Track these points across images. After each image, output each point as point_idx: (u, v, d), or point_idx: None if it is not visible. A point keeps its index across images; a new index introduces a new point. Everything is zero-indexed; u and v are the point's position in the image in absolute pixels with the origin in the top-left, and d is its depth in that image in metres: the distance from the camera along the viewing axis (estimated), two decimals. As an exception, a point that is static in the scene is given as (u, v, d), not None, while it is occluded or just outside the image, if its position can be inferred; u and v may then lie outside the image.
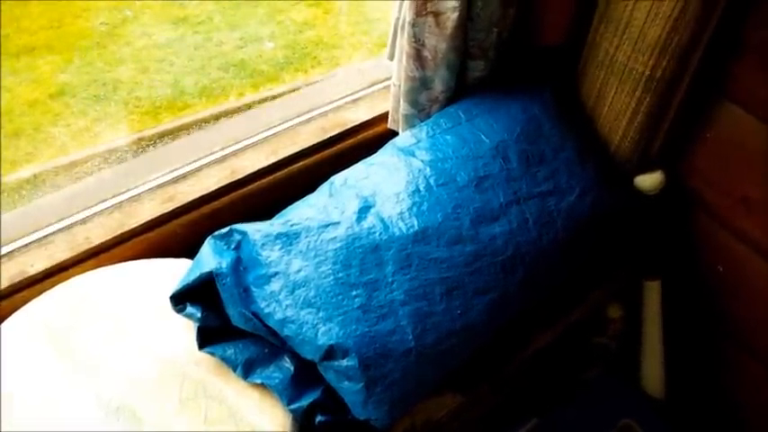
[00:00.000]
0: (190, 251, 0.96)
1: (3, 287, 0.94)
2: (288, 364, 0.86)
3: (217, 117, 2.53)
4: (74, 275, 0.97)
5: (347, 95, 1.26)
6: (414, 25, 1.04)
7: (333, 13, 3.09)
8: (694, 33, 0.99)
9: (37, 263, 0.97)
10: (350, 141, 1.20)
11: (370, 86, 1.27)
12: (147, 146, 2.44)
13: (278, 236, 0.89)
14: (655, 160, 1.14)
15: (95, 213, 1.02)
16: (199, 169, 1.09)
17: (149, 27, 2.87)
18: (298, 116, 1.19)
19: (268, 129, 1.16)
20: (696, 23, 0.97)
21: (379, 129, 1.22)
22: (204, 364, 0.88)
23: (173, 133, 2.48)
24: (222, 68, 2.77)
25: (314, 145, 1.16)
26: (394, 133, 1.18)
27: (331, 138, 1.18)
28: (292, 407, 0.83)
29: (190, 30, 2.90)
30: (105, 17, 2.83)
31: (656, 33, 1.00)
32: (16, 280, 0.95)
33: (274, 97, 2.57)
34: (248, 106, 2.56)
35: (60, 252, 0.98)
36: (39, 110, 2.52)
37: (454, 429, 1.08)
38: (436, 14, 1.03)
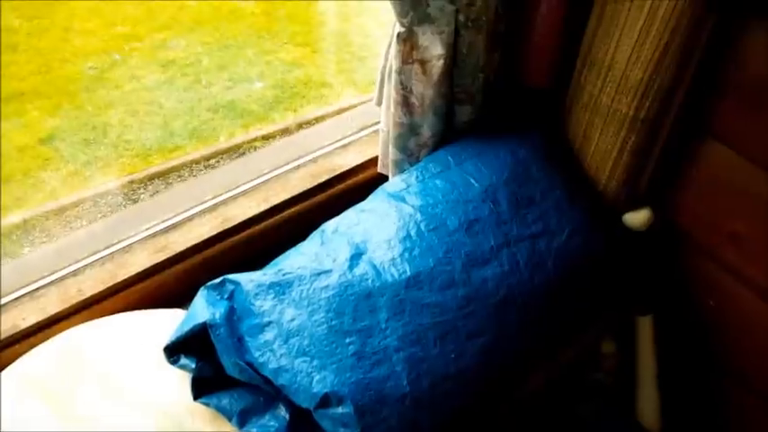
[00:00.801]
0: (182, 300, 0.96)
1: (-5, 342, 0.94)
2: (283, 412, 0.85)
3: (207, 158, 2.54)
4: (66, 328, 0.96)
5: (337, 141, 1.27)
6: (400, 73, 1.06)
7: (321, 52, 3.14)
8: (676, 75, 1.01)
9: (29, 316, 0.97)
10: (340, 186, 1.21)
11: (359, 131, 1.29)
12: (138, 188, 2.44)
13: (271, 285, 0.89)
14: (642, 198, 1.15)
15: (87, 265, 1.02)
16: (190, 218, 1.10)
17: (138, 70, 2.90)
18: (288, 163, 1.21)
19: (259, 176, 1.17)
20: (677, 65, 1.00)
21: (368, 173, 1.24)
22: (200, 415, 0.87)
23: (163, 175, 2.49)
24: (211, 109, 2.79)
25: (305, 191, 1.17)
26: (384, 177, 1.20)
27: (321, 183, 1.19)
28: (288, 457, 0.82)
29: (178, 72, 2.93)
30: (94, 61, 2.86)
31: (639, 76, 1.02)
32: (8, 334, 0.95)
33: (264, 137, 2.59)
34: (238, 147, 2.58)
35: (52, 305, 0.98)
36: (28, 155, 2.52)
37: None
38: (422, 62, 1.05)
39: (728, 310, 1.18)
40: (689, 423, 1.36)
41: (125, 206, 2.23)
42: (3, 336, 0.95)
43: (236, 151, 2.56)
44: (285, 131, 2.66)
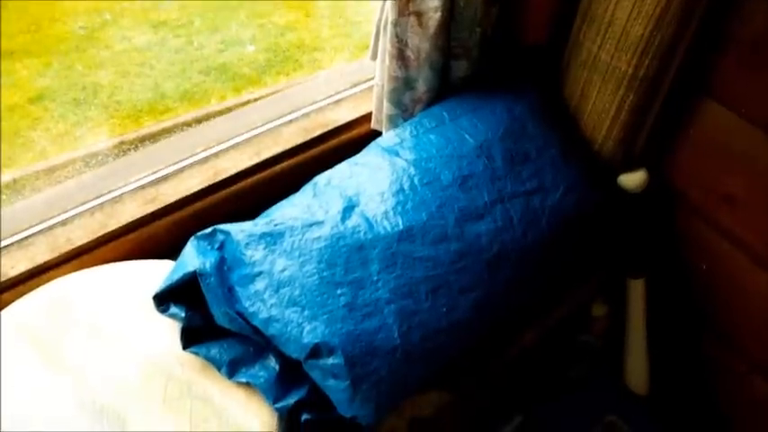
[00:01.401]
0: (172, 252, 0.95)
1: (-18, 289, 0.93)
2: (273, 362, 0.85)
3: (198, 121, 2.52)
4: (55, 277, 0.95)
5: (330, 96, 1.25)
6: (396, 25, 1.04)
7: (314, 16, 3.09)
8: (677, 31, 1.00)
9: (18, 264, 0.96)
10: (333, 142, 1.20)
11: (352, 87, 1.27)
12: (128, 150, 2.42)
13: (262, 235, 0.88)
14: (638, 159, 1.15)
15: (77, 215, 1.01)
16: (181, 170, 1.08)
17: (129, 30, 2.85)
18: (280, 117, 1.19)
19: (251, 130, 1.16)
20: (678, 22, 0.98)
21: (362, 129, 1.22)
22: (189, 364, 0.87)
23: (154, 137, 2.46)
24: (203, 72, 2.76)
25: (297, 145, 1.16)
26: (377, 133, 1.18)
27: (314, 138, 1.17)
28: (278, 405, 0.82)
29: (170, 33, 2.89)
30: (84, 21, 2.81)
31: (639, 32, 1.01)
32: (-1, 283, 0.94)
33: (256, 100, 2.56)
34: (229, 110, 2.55)
35: (42, 254, 0.97)
36: (18, 114, 2.49)
37: (440, 427, 1.08)
38: (418, 14, 1.03)
39: (721, 274, 1.19)
40: (676, 387, 1.37)
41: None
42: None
43: (227, 114, 2.54)
44: (277, 93, 2.64)
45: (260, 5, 3.10)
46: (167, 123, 2.54)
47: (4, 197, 2.21)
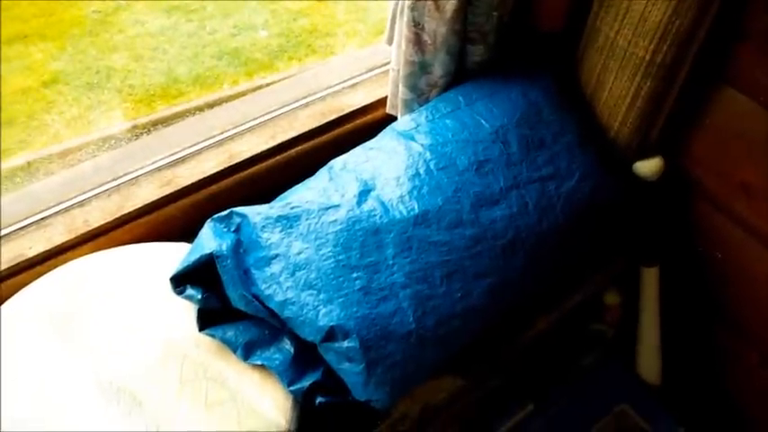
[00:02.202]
0: (188, 235, 0.95)
1: (1, 269, 0.94)
2: (288, 345, 0.85)
3: (211, 105, 2.52)
4: (72, 258, 0.96)
5: (345, 80, 1.25)
6: (413, 9, 1.03)
7: (327, 2, 3.08)
8: (696, 18, 0.98)
9: (36, 245, 0.97)
10: (348, 126, 1.19)
11: (368, 71, 1.27)
12: (141, 133, 2.43)
13: (278, 218, 0.89)
14: (654, 146, 1.14)
15: (94, 196, 1.02)
16: (197, 153, 1.09)
17: (142, 15, 2.86)
18: (296, 101, 1.19)
19: (266, 113, 1.16)
20: (698, 8, 0.97)
21: (377, 114, 1.22)
22: (204, 346, 0.88)
23: (166, 121, 2.48)
24: (216, 57, 2.76)
25: (312, 130, 1.16)
26: (392, 118, 1.18)
27: (329, 122, 1.17)
28: (293, 388, 0.83)
29: (183, 18, 2.89)
30: (97, 5, 2.81)
31: (657, 18, 1.00)
32: (15, 262, 0.95)
33: (268, 85, 2.56)
34: (242, 95, 2.55)
35: (59, 235, 0.98)
36: (32, 97, 2.51)
37: (452, 413, 1.08)
38: (436, -2, 1.03)
39: (736, 263, 1.18)
40: (689, 376, 1.37)
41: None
42: (10, 264, 0.94)
43: (241, 98, 2.54)
44: (293, 77, 2.64)
45: (273, -10, 3.09)
46: (180, 108, 2.55)
47: (17, 180, 2.23)
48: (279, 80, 2.60)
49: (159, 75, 2.67)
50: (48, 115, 2.46)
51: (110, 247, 0.99)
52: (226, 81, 2.70)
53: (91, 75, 2.61)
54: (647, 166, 1.13)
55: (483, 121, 1.04)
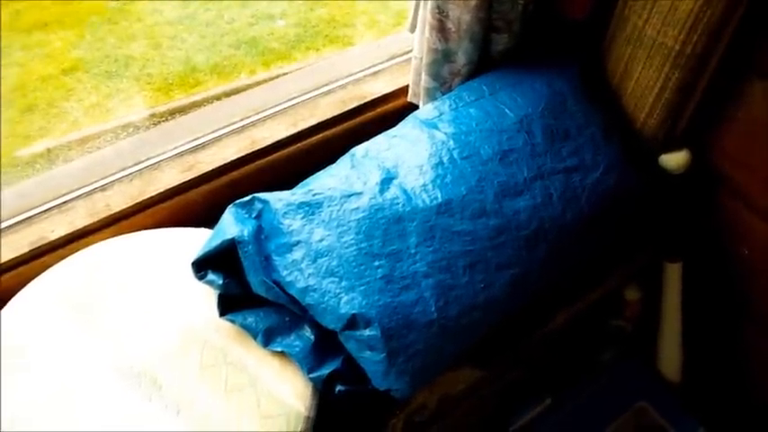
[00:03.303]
0: (208, 221, 0.95)
1: (24, 252, 0.94)
2: (308, 333, 0.85)
3: (228, 94, 2.52)
4: (94, 242, 0.96)
5: (367, 68, 1.24)
6: (438, -4, 1.02)
7: (345, -9, 3.06)
8: (727, 7, 0.96)
9: (58, 228, 0.97)
10: (369, 114, 1.19)
11: (389, 59, 1.26)
12: (159, 122, 2.44)
13: (300, 205, 0.88)
14: (681, 138, 1.12)
15: (116, 181, 1.02)
16: (219, 139, 1.08)
17: (161, 3, 2.86)
18: (317, 88, 1.18)
19: (288, 100, 1.15)
20: (730, -4, 0.95)
21: (398, 102, 1.21)
22: (225, 332, 0.87)
23: (184, 110, 2.48)
24: (233, 46, 2.76)
25: (333, 117, 1.15)
26: (414, 107, 1.17)
27: (350, 110, 1.16)
28: (312, 375, 0.82)
29: (201, 7, 2.89)
30: (116, -7, 2.82)
31: (688, 7, 0.97)
32: (37, 245, 0.95)
33: (285, 75, 2.56)
34: (259, 84, 2.55)
35: (81, 219, 0.98)
36: (51, 85, 2.52)
37: (469, 404, 1.07)
38: (461, -15, 1.01)
39: (762, 260, 1.16)
40: (710, 374, 1.35)
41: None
42: (32, 246, 0.95)
43: (262, 85, 2.54)
44: (314, 64, 2.63)
45: (290, -20, 3.08)
46: (197, 97, 2.55)
47: (37, 166, 2.25)
48: (295, 69, 2.60)
49: (177, 63, 2.67)
50: (67, 103, 2.47)
51: (131, 231, 0.99)
52: (243, 70, 2.70)
53: (110, 63, 2.62)
54: (673, 159, 1.11)
55: (507, 110, 1.02)
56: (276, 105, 1.13)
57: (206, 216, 0.99)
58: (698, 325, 1.31)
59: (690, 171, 1.13)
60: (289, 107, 1.14)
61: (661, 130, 1.10)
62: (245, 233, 0.83)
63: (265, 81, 2.56)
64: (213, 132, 1.08)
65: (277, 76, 2.55)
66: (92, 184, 1.01)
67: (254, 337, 0.86)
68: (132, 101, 2.53)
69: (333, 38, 2.85)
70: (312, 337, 0.85)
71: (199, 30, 2.81)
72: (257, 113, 1.12)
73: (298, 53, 2.80)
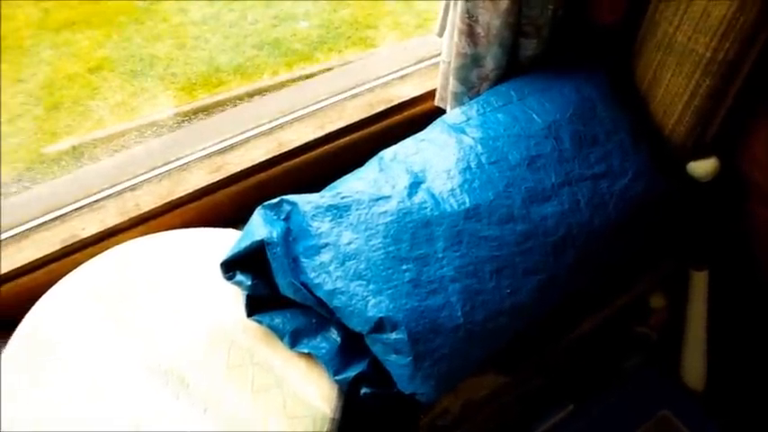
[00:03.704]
0: (236, 221, 0.96)
1: (56, 249, 0.95)
2: (335, 335, 0.85)
3: (251, 95, 2.54)
4: (124, 240, 0.97)
5: (394, 71, 1.24)
6: (467, 0, 1.02)
7: (368, -8, 3.07)
8: (761, 13, 0.95)
9: (89, 227, 0.98)
10: (396, 118, 1.19)
11: (417, 63, 1.26)
12: (182, 121, 2.46)
13: (329, 208, 0.88)
14: (710, 146, 1.11)
15: (145, 181, 1.03)
16: (246, 141, 1.09)
17: (186, 3, 2.88)
18: (345, 91, 1.18)
19: (315, 103, 1.16)
20: (764, 2, 0.94)
21: (426, 106, 1.21)
22: (252, 332, 0.88)
23: (207, 110, 2.50)
24: (256, 47, 2.78)
25: (360, 120, 1.16)
26: (441, 111, 1.17)
27: (378, 113, 1.17)
28: (338, 378, 0.83)
29: (225, 7, 2.91)
30: (143, -8, 2.85)
31: (721, 13, 0.96)
32: (68, 243, 0.96)
33: (308, 76, 2.57)
34: (282, 85, 2.57)
35: (111, 217, 0.99)
36: (78, 83, 2.55)
37: (492, 410, 1.07)
38: (491, -10, 1.01)
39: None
40: (734, 384, 1.34)
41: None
42: (64, 244, 0.96)
43: (279, 89, 2.56)
44: (329, 72, 2.64)
45: (314, -19, 3.09)
46: (220, 96, 2.57)
47: (63, 163, 2.28)
48: (318, 71, 2.61)
49: (201, 63, 2.70)
50: (92, 101, 2.50)
51: (159, 230, 1.00)
52: (266, 71, 2.71)
53: (135, 62, 2.64)
54: (702, 167, 1.10)
55: (535, 115, 1.02)
56: (304, 108, 1.14)
57: (233, 216, 1.00)
58: (722, 333, 1.29)
59: (718, 178, 1.12)
60: (316, 110, 1.15)
61: (690, 136, 1.09)
62: (274, 235, 0.84)
63: (288, 82, 2.58)
64: (241, 134, 1.09)
65: (299, 78, 2.57)
66: (122, 183, 1.02)
67: (281, 338, 0.86)
68: (156, 100, 2.55)
69: (355, 39, 2.86)
70: (338, 339, 0.85)
71: (222, 30, 2.83)
72: (285, 115, 1.12)
73: (320, 54, 2.80)
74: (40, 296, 0.90)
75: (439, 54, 1.15)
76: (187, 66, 2.67)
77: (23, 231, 0.98)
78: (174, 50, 2.71)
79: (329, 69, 2.60)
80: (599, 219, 0.97)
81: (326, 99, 1.16)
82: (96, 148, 2.32)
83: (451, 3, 1.07)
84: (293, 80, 2.56)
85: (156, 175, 1.04)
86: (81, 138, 2.35)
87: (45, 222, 0.99)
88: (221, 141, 1.08)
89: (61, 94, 2.47)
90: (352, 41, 2.84)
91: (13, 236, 0.97)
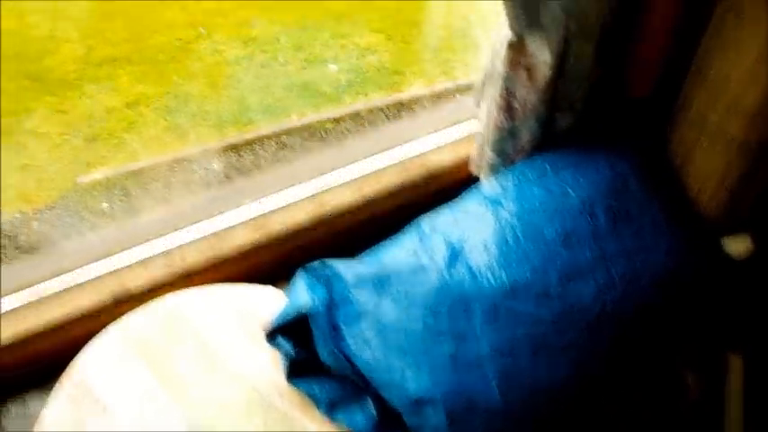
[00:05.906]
0: (276, 278, 0.99)
1: (105, 299, 0.99)
2: (371, 407, 0.86)
3: (278, 135, 2.60)
4: (167, 293, 1.01)
5: (430, 134, 1.28)
6: (507, 78, 1.05)
7: (394, 40, 3.14)
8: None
9: (138, 280, 1.02)
10: (433, 184, 1.22)
11: (452, 125, 1.29)
12: (212, 158, 2.52)
13: (369, 276, 0.91)
14: (745, 223, 1.11)
15: (191, 236, 1.06)
16: (289, 201, 1.13)
17: (221, 44, 2.97)
18: (383, 156, 1.22)
19: (353, 165, 1.19)
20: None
21: (461, 173, 1.23)
22: (288, 397, 0.90)
23: (236, 147, 2.56)
24: (286, 88, 2.84)
25: (397, 186, 1.19)
26: (476, 177, 1.20)
27: (414, 180, 1.20)
28: (373, 451, 0.84)
29: (258, 49, 2.99)
30: (181, 33, 2.94)
31: (755, 98, 0.99)
32: (119, 295, 1.00)
33: (335, 119, 2.63)
34: (309, 126, 2.63)
35: (158, 270, 1.03)
36: (115, 117, 2.63)
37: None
38: (529, 69, 1.04)
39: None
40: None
41: (196, 173, 2.31)
42: (114, 297, 1.00)
43: (306, 131, 2.61)
44: (356, 115, 2.69)
45: (343, 26, 3.18)
46: (250, 135, 2.63)
47: (95, 193, 2.34)
48: (346, 114, 2.67)
49: (232, 102, 2.77)
50: (128, 134, 2.57)
51: (202, 284, 1.03)
52: (294, 112, 2.77)
53: (170, 99, 2.72)
54: (736, 244, 1.11)
55: (570, 190, 1.05)
56: (343, 172, 1.17)
57: (274, 274, 1.03)
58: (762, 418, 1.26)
59: (754, 256, 1.12)
60: (356, 177, 1.18)
61: (724, 214, 1.10)
62: (318, 304, 0.86)
63: (315, 123, 2.64)
64: (283, 191, 1.13)
65: (326, 121, 2.63)
66: (168, 236, 1.06)
67: (318, 407, 0.88)
68: (188, 136, 2.62)
69: (382, 84, 2.92)
70: (374, 412, 0.86)
71: (254, 71, 2.90)
72: (325, 181, 1.16)
73: (348, 97, 2.86)
74: (83, 345, 0.93)
75: (472, 117, 1.18)
76: (219, 104, 2.74)
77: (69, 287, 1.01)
78: (207, 89, 2.79)
79: (356, 114, 2.66)
80: (633, 295, 0.98)
81: (364, 162, 1.20)
82: (127, 180, 2.38)
83: (487, 77, 1.10)
84: (321, 122, 2.63)
85: (202, 235, 1.07)
86: (115, 169, 2.41)
87: (94, 272, 1.03)
88: (264, 200, 1.11)
89: (99, 126, 2.55)
90: (379, 86, 2.90)
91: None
